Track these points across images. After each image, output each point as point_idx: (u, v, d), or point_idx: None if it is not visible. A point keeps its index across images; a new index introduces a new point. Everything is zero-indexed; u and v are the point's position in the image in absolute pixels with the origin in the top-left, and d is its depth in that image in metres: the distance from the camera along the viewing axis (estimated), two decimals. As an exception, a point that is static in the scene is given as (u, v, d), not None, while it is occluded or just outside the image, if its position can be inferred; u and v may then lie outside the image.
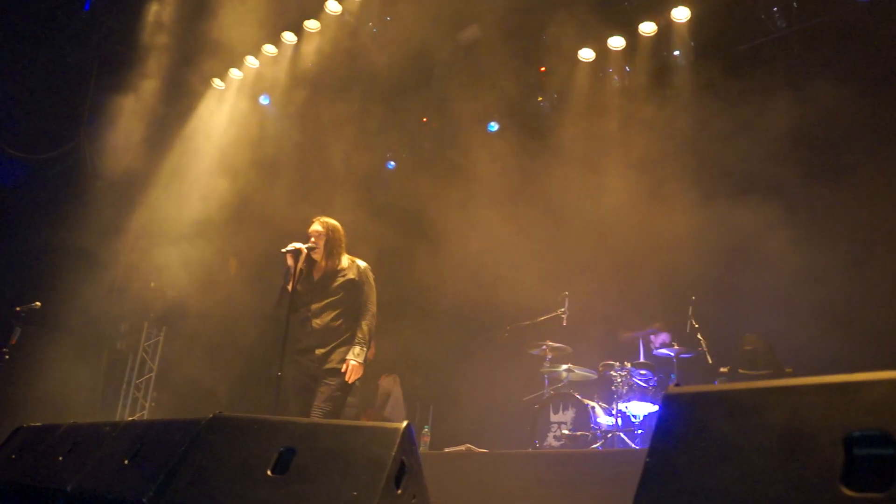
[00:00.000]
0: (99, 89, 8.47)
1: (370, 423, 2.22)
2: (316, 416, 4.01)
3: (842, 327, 5.95)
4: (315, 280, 4.36)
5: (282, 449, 2.22)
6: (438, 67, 8.73)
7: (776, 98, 6.83)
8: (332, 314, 4.26)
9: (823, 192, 6.58)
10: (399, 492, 2.02)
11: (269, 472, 2.18)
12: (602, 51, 8.17)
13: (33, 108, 8.52)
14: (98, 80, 8.48)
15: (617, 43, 8.00)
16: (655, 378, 6.54)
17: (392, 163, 10.30)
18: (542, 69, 8.65)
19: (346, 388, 4.14)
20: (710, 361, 6.34)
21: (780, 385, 1.54)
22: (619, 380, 6.49)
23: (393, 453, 2.01)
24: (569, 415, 6.43)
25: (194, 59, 8.22)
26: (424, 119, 9.51)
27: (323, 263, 4.36)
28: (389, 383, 8.60)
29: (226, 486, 2.27)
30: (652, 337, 7.09)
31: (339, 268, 4.34)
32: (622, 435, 6.16)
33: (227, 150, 8.75)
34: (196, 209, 8.49)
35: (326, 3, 8.15)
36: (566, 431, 6.31)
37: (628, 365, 6.58)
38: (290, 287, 4.25)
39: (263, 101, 9.22)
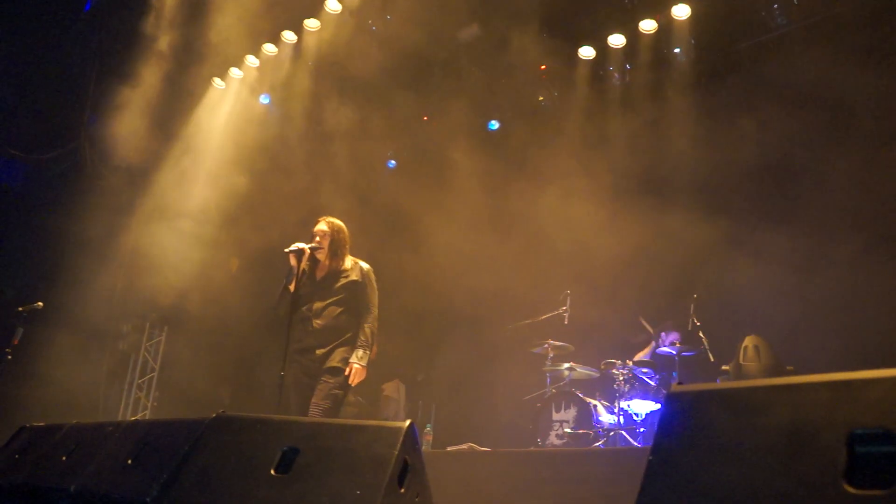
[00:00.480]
0: (99, 89, 8.48)
1: (373, 423, 2.23)
2: (314, 414, 4.01)
3: (843, 325, 5.95)
4: (318, 280, 4.37)
5: (285, 448, 2.23)
6: (439, 66, 8.73)
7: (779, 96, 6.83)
8: (334, 314, 4.26)
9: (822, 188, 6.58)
10: (402, 490, 2.02)
11: (272, 472, 2.19)
12: (602, 49, 8.16)
13: (34, 108, 8.53)
14: (99, 80, 8.48)
15: (617, 41, 8.00)
16: (657, 376, 6.54)
17: (393, 162, 10.31)
18: (543, 67, 8.65)
19: (346, 386, 4.15)
20: (712, 359, 6.34)
21: (783, 383, 1.55)
22: (621, 378, 6.50)
23: (396, 452, 2.02)
24: (571, 413, 6.44)
25: (195, 58, 8.22)
26: (425, 118, 9.50)
27: (326, 263, 4.38)
28: (393, 390, 8.62)
29: (229, 485, 2.28)
30: (662, 335, 7.12)
31: (342, 268, 4.35)
32: (624, 433, 6.16)
33: (227, 150, 8.75)
34: (197, 209, 8.49)
35: (326, 2, 8.15)
36: (568, 430, 6.31)
37: (630, 363, 6.59)
38: (292, 287, 4.26)
39: (264, 100, 9.22)
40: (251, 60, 8.88)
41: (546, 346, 6.97)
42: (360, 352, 4.19)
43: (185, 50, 8.17)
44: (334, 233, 4.38)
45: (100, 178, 8.78)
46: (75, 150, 8.76)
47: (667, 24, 7.62)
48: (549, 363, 7.01)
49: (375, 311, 4.34)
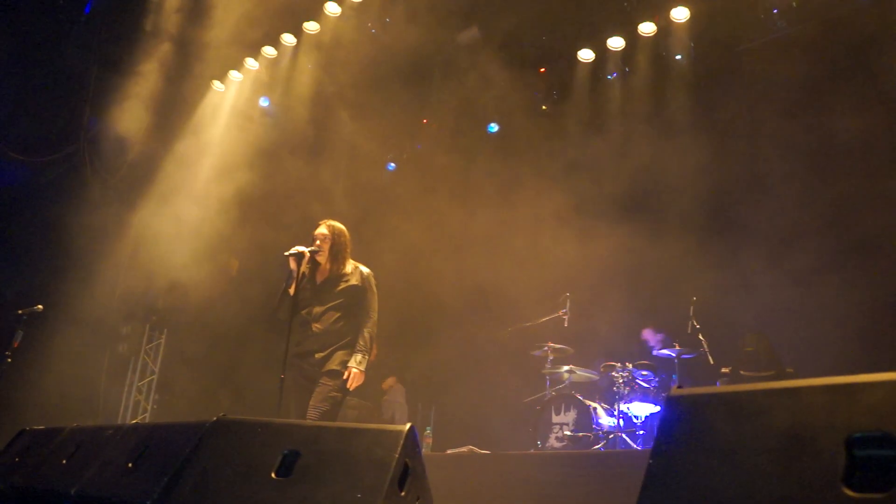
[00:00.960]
0: (99, 91, 8.48)
1: (373, 426, 2.23)
2: (312, 416, 3.99)
3: (842, 327, 5.96)
4: (318, 283, 4.36)
5: (286, 451, 2.23)
6: (439, 68, 8.74)
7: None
8: (333, 318, 4.25)
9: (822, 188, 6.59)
10: (402, 494, 2.02)
11: (273, 475, 2.19)
12: (601, 51, 8.18)
13: (34, 110, 8.52)
14: (98, 83, 8.48)
15: (616, 43, 8.02)
16: (657, 379, 6.55)
17: (392, 164, 10.32)
18: (542, 70, 8.66)
19: (344, 389, 4.13)
20: (712, 362, 6.35)
21: (782, 387, 1.55)
22: (621, 381, 6.50)
23: (396, 455, 2.02)
24: (571, 416, 6.44)
25: (194, 61, 8.23)
26: (425, 121, 9.52)
27: (327, 267, 4.36)
28: (394, 394, 8.62)
29: (230, 489, 2.28)
30: (648, 335, 7.17)
31: (342, 272, 4.33)
32: (624, 436, 6.16)
33: (227, 152, 8.76)
34: (197, 211, 8.49)
35: (326, 5, 8.16)
36: (568, 432, 6.31)
37: (629, 366, 6.59)
38: (291, 290, 4.26)
39: (263, 102, 9.23)
40: (251, 63, 8.89)
41: (546, 348, 6.98)
42: (358, 356, 4.17)
43: (184, 53, 8.18)
44: (335, 236, 4.36)
45: (99, 181, 8.77)
46: (75, 153, 8.75)
47: (666, 27, 7.65)
48: (548, 366, 7.02)
49: (375, 315, 4.32)
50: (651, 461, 1.64)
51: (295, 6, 8.16)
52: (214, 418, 2.61)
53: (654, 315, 7.25)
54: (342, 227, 4.45)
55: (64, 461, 3.17)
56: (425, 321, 8.80)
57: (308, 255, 4.29)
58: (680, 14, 7.48)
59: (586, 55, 8.27)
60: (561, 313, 7.13)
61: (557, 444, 6.39)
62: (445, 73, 8.85)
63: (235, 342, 8.97)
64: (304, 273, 4.28)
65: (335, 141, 9.03)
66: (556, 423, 6.48)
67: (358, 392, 4.75)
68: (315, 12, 8.29)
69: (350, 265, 4.39)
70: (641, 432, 6.23)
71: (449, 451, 6.23)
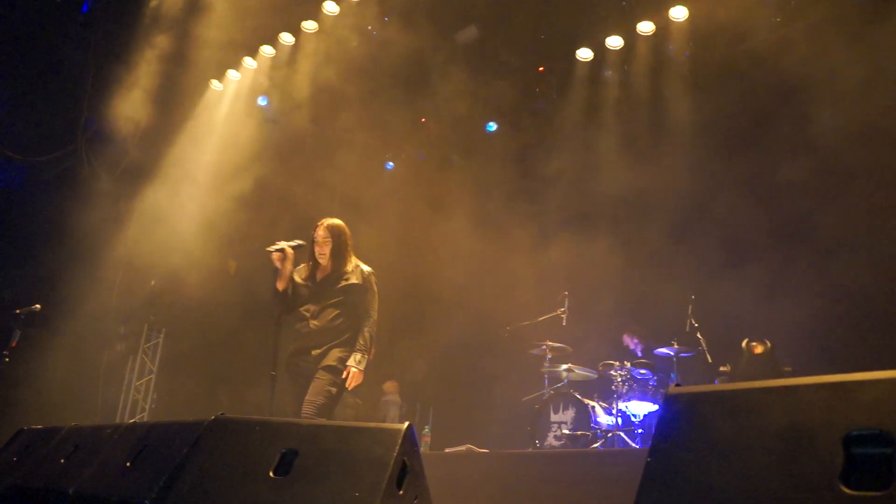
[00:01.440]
0: (97, 91, 8.46)
1: (372, 424, 2.23)
2: (308, 411, 3.93)
3: (841, 326, 5.96)
4: (318, 281, 4.33)
5: (284, 450, 2.23)
6: (437, 68, 8.74)
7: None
8: (331, 316, 4.22)
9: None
10: (401, 492, 2.02)
11: (271, 474, 2.19)
12: (600, 50, 8.18)
13: (31, 110, 8.50)
14: (96, 82, 8.46)
15: (615, 42, 8.01)
16: (655, 377, 6.55)
17: (391, 163, 10.32)
18: (541, 69, 8.66)
19: (340, 384, 4.07)
20: (710, 360, 6.35)
21: (780, 385, 1.55)
22: (619, 379, 6.51)
23: (395, 454, 2.02)
24: (569, 414, 6.45)
25: (192, 60, 8.21)
26: (423, 119, 9.52)
27: (328, 265, 4.33)
28: (392, 393, 8.62)
29: (228, 488, 2.28)
30: (626, 338, 7.22)
31: (343, 270, 4.30)
32: (622, 434, 6.17)
33: (225, 152, 8.75)
34: (195, 210, 8.48)
35: (324, 4, 8.15)
36: (567, 431, 6.32)
37: (628, 364, 6.60)
38: (280, 286, 4.24)
39: (261, 102, 9.22)
40: (249, 62, 8.88)
41: (544, 347, 6.98)
42: (357, 355, 4.13)
43: (182, 52, 8.16)
44: (335, 236, 4.32)
45: (97, 181, 8.76)
46: (73, 152, 8.74)
47: (664, 26, 7.64)
48: (547, 364, 7.02)
49: (375, 314, 4.29)
50: (649, 459, 1.64)
51: (294, 5, 8.16)
52: (212, 417, 2.61)
53: (655, 314, 7.25)
54: (342, 224, 4.41)
55: (62, 460, 3.17)
56: (424, 320, 8.80)
57: (290, 250, 4.27)
58: (679, 13, 7.47)
59: (585, 54, 8.27)
60: (559, 312, 7.13)
61: (556, 443, 6.39)
62: (444, 72, 8.84)
63: (233, 342, 8.97)
64: (291, 268, 4.26)
65: (333, 140, 9.01)
66: (555, 422, 6.48)
67: (356, 392, 4.74)
68: (314, 12, 8.28)
69: (351, 263, 4.36)
70: (640, 431, 6.24)
71: (447, 450, 6.23)
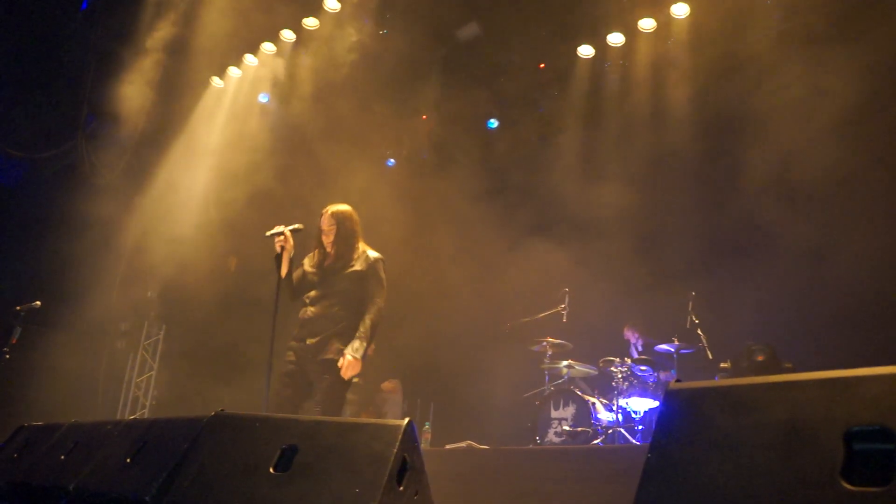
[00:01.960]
0: (97, 88, 8.46)
1: (372, 420, 2.23)
2: (315, 414, 3.93)
3: (842, 322, 5.96)
4: (325, 268, 4.23)
5: (284, 446, 2.23)
6: (438, 64, 8.73)
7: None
8: (329, 303, 4.11)
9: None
10: (401, 488, 2.02)
11: (271, 470, 2.19)
12: (601, 47, 8.16)
13: (32, 107, 8.50)
14: (96, 79, 8.46)
15: (616, 39, 7.99)
16: (656, 374, 6.55)
17: (392, 160, 10.30)
18: (542, 66, 8.65)
19: (343, 383, 3.98)
20: (711, 357, 6.35)
21: (781, 381, 1.55)
22: (620, 376, 6.51)
23: (395, 450, 2.02)
24: (569, 411, 6.45)
25: (193, 57, 8.20)
26: (424, 116, 9.50)
27: (333, 252, 4.21)
28: (392, 389, 8.62)
29: (228, 484, 2.28)
30: (627, 331, 7.23)
31: (349, 257, 4.19)
32: (623, 431, 6.17)
33: (226, 148, 8.75)
34: (196, 207, 8.49)
35: (325, 1, 8.14)
36: (567, 427, 6.32)
37: (628, 361, 6.60)
38: (283, 272, 4.14)
39: (262, 98, 9.21)
40: (250, 59, 8.87)
41: (545, 343, 6.98)
42: (356, 343, 3.99)
43: (183, 49, 8.15)
44: (340, 223, 4.21)
45: (97, 177, 8.76)
46: (73, 149, 8.74)
47: (666, 23, 7.62)
48: (547, 361, 7.02)
49: (380, 302, 4.13)
50: (649, 455, 1.64)
51: (295, 2, 8.14)
52: (212, 413, 2.61)
53: (654, 313, 7.25)
54: (347, 210, 4.28)
55: (62, 457, 3.17)
56: (424, 317, 8.79)
57: (288, 233, 4.16)
58: (680, 10, 7.45)
59: (586, 51, 8.25)
60: (560, 308, 7.13)
61: (556, 439, 6.39)
62: (445, 69, 8.82)
63: (234, 338, 8.97)
64: (291, 252, 4.17)
65: (334, 136, 9.00)
66: (555, 418, 6.48)
67: (357, 388, 4.72)
68: (315, 8, 8.27)
69: (358, 250, 4.24)
70: (640, 427, 6.24)
71: (448, 446, 6.24)
